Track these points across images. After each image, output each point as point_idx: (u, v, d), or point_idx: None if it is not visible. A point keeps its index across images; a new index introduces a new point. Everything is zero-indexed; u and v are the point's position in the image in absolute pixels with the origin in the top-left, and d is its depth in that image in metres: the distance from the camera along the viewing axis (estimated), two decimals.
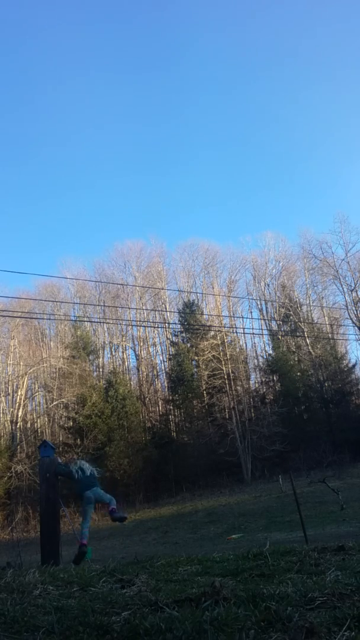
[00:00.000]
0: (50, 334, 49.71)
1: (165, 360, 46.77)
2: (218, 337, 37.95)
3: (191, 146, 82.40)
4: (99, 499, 8.13)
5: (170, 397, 40.68)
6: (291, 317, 43.26)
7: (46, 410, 41.35)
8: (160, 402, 44.33)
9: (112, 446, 33.78)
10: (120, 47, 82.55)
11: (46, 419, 41.38)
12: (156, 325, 48.53)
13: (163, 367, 46.85)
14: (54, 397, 37.83)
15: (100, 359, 47.73)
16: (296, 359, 41.40)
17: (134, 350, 48.74)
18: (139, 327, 48.28)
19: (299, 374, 39.75)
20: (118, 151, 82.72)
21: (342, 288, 42.50)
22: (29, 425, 41.86)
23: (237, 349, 40.33)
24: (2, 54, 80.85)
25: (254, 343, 49.65)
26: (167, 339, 46.92)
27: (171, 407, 41.27)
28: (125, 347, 49.72)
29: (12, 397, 40.56)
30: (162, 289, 47.26)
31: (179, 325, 44.00)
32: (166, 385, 43.61)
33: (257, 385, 43.34)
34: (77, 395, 35.57)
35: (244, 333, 44.99)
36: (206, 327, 40.49)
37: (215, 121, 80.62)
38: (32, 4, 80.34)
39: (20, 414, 39.00)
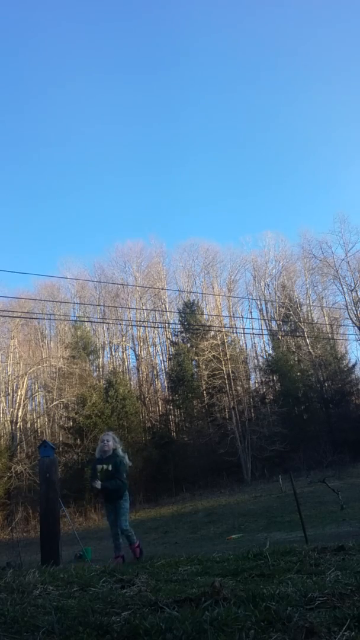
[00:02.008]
0: (50, 334, 49.74)
1: (165, 360, 46.81)
2: (218, 337, 37.95)
3: (191, 146, 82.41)
4: None
5: (170, 397, 40.69)
6: (291, 317, 43.27)
7: (46, 410, 41.35)
8: (160, 402, 44.34)
9: None
10: (120, 47, 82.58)
11: (46, 419, 41.38)
12: (156, 325, 48.55)
13: (163, 367, 46.91)
14: (54, 397, 37.83)
15: (100, 359, 47.74)
16: (296, 359, 41.41)
17: (134, 350, 48.78)
18: (139, 327, 48.31)
19: (299, 374, 39.76)
20: (118, 151, 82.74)
21: (342, 288, 42.57)
22: (29, 425, 41.86)
23: (237, 349, 40.34)
24: (1, 54, 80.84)
25: (254, 343, 49.72)
26: (167, 339, 46.93)
27: (171, 407, 41.28)
28: (125, 347, 49.77)
29: (12, 397, 40.57)
30: (162, 289, 47.29)
31: (179, 325, 44.02)
32: (166, 385, 43.62)
33: (257, 385, 43.36)
34: (77, 395, 35.58)
35: (244, 333, 45.03)
36: (206, 327, 40.50)
37: (215, 121, 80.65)
38: (31, 4, 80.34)
39: (20, 414, 39.00)
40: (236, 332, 43.58)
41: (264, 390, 41.61)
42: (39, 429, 41.20)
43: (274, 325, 47.77)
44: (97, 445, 7.04)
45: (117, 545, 6.48)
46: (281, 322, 45.92)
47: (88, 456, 33.32)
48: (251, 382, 43.36)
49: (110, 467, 6.59)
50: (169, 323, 47.03)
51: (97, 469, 6.65)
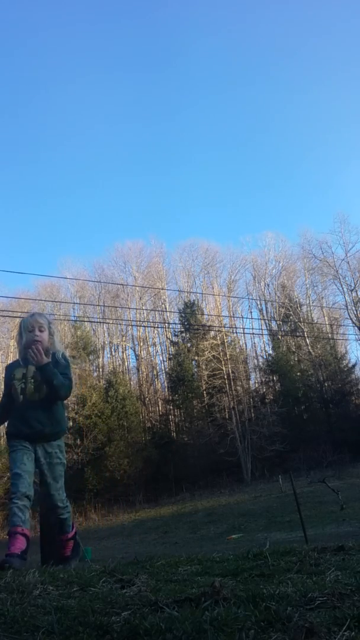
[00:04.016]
0: None
1: (165, 360, 46.84)
2: (218, 337, 37.99)
3: (190, 146, 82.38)
4: None
5: (170, 397, 40.72)
6: (291, 317, 43.31)
7: None
8: (160, 402, 44.36)
9: (112, 446, 33.81)
10: (119, 46, 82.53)
11: None
12: (156, 325, 48.58)
13: (163, 367, 46.95)
14: None
15: (100, 359, 47.76)
16: (296, 359, 41.44)
17: (134, 350, 48.81)
18: (139, 327, 48.34)
19: (299, 374, 39.79)
20: (118, 151, 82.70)
21: (342, 288, 42.62)
22: None
23: (237, 349, 40.37)
24: (1, 54, 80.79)
25: (254, 343, 49.76)
26: (167, 339, 46.96)
27: (171, 407, 41.31)
28: (125, 347, 49.80)
29: None
30: (162, 289, 47.31)
31: (179, 325, 44.05)
32: (166, 385, 43.65)
33: (257, 385, 43.39)
34: (77, 395, 35.61)
35: (244, 333, 45.06)
36: (206, 327, 40.53)
37: (215, 121, 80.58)
38: (30, 4, 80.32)
39: None
40: (236, 332, 43.64)
41: (264, 390, 41.63)
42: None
43: (274, 325, 47.81)
44: (21, 337, 3.56)
45: (18, 516, 2.98)
46: (281, 322, 45.95)
47: (88, 456, 33.33)
48: (251, 382, 43.39)
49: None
50: (169, 323, 47.07)
51: (15, 373, 3.39)
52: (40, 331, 3.49)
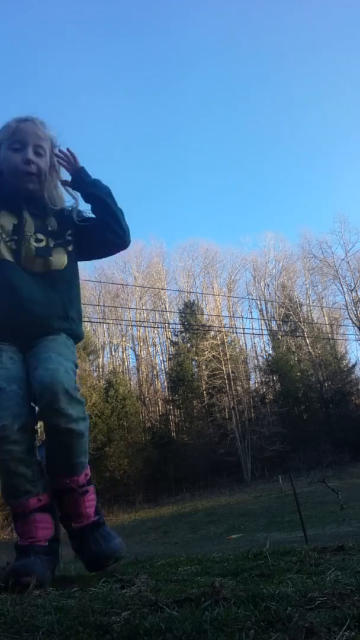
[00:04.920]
0: None
1: (165, 360, 46.85)
2: (218, 337, 38.00)
3: (190, 146, 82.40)
4: None
5: (170, 397, 40.74)
6: (291, 317, 43.33)
7: None
8: (160, 402, 44.37)
9: (112, 446, 33.83)
10: (119, 47, 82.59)
11: None
12: (156, 325, 48.59)
13: (163, 367, 46.96)
14: None
15: (100, 359, 47.75)
16: (296, 359, 41.46)
17: (134, 350, 48.81)
18: (139, 327, 48.35)
19: (299, 374, 39.81)
20: (117, 151, 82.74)
21: (342, 288, 42.67)
22: None
23: (237, 349, 40.39)
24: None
25: (254, 343, 49.73)
26: (167, 339, 46.97)
27: (171, 407, 41.33)
28: (125, 347, 49.79)
29: None
30: (162, 289, 47.33)
31: (179, 325, 44.08)
32: (166, 385, 43.67)
33: (257, 385, 43.40)
34: None
35: (244, 333, 45.08)
36: (206, 327, 40.55)
37: (214, 120, 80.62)
38: (27, 3, 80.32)
39: None
40: (236, 332, 43.67)
41: (264, 390, 41.65)
42: (38, 429, 41.22)
43: (274, 325, 47.82)
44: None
45: (22, 475, 1.74)
46: (281, 322, 45.96)
47: (88, 456, 33.31)
48: (251, 382, 43.41)
49: (53, 225, 2.09)
50: (169, 323, 47.08)
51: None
52: (38, 155, 1.94)
